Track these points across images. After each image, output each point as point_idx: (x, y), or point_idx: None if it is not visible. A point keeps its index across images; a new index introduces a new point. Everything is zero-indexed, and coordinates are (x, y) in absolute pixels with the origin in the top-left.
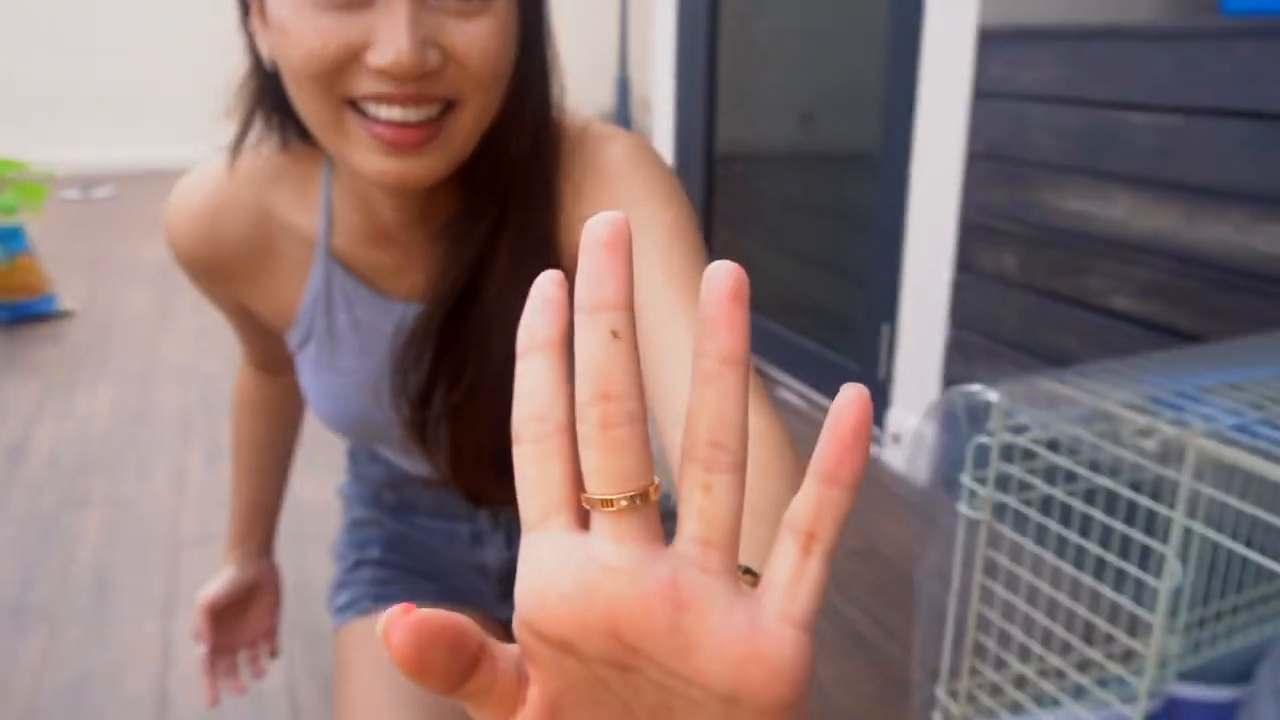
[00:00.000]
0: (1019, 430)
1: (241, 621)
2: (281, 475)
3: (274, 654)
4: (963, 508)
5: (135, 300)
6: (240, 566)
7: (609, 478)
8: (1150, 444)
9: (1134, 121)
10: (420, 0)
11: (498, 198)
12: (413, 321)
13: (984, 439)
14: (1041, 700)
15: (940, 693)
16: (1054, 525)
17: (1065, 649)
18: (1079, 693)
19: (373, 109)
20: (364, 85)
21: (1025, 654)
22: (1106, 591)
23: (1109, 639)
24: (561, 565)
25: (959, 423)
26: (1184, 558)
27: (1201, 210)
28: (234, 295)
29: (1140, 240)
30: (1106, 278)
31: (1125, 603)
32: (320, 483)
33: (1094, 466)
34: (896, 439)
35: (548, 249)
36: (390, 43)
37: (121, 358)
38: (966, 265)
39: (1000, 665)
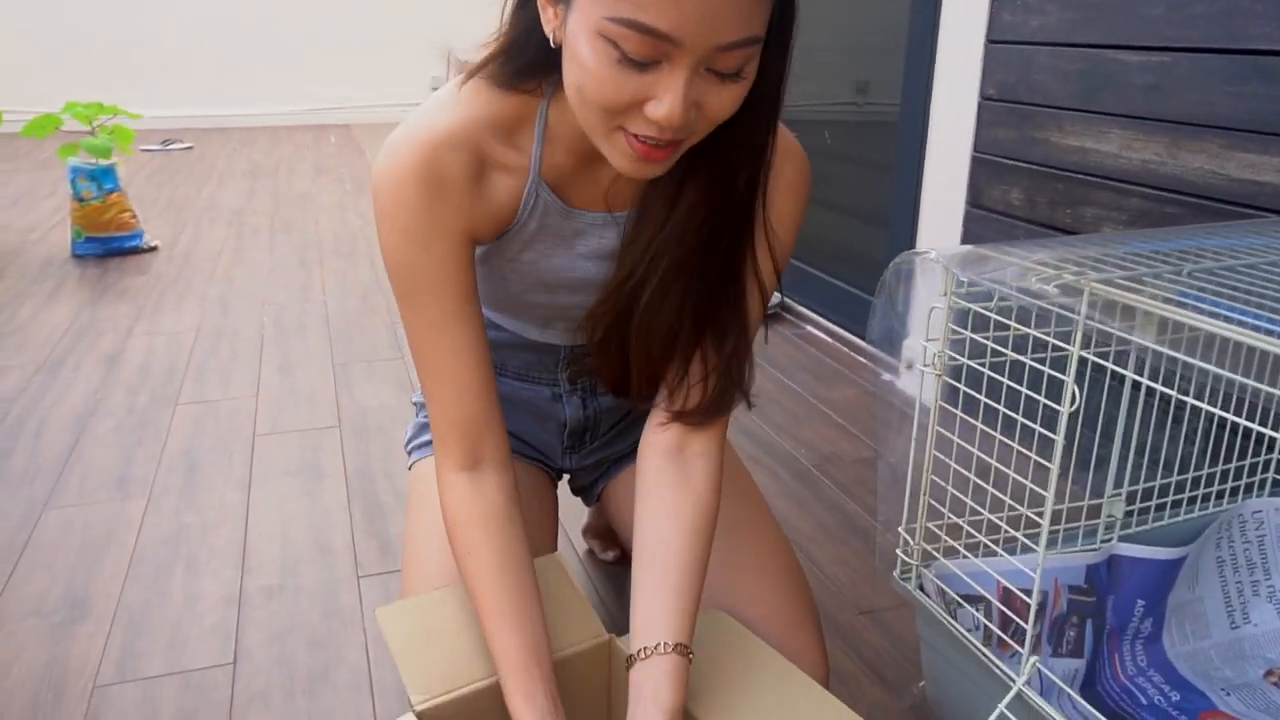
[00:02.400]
0: (976, 297)
1: None
2: (540, 608)
3: None
4: (893, 377)
5: (212, 239)
6: None
7: None
8: (1053, 289)
9: (1127, 61)
10: (695, 70)
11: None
12: (630, 225)
13: (937, 303)
14: (980, 550)
15: (901, 530)
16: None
17: (1011, 506)
18: (1027, 544)
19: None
20: (637, 126)
21: (976, 510)
22: (1046, 433)
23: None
24: None
25: (912, 288)
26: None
27: (1184, 142)
28: (458, 220)
29: (1130, 172)
30: (1100, 208)
31: (1038, 429)
32: (379, 388)
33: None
34: (910, 365)
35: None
36: (667, 102)
37: (202, 286)
38: (977, 201)
39: (953, 515)
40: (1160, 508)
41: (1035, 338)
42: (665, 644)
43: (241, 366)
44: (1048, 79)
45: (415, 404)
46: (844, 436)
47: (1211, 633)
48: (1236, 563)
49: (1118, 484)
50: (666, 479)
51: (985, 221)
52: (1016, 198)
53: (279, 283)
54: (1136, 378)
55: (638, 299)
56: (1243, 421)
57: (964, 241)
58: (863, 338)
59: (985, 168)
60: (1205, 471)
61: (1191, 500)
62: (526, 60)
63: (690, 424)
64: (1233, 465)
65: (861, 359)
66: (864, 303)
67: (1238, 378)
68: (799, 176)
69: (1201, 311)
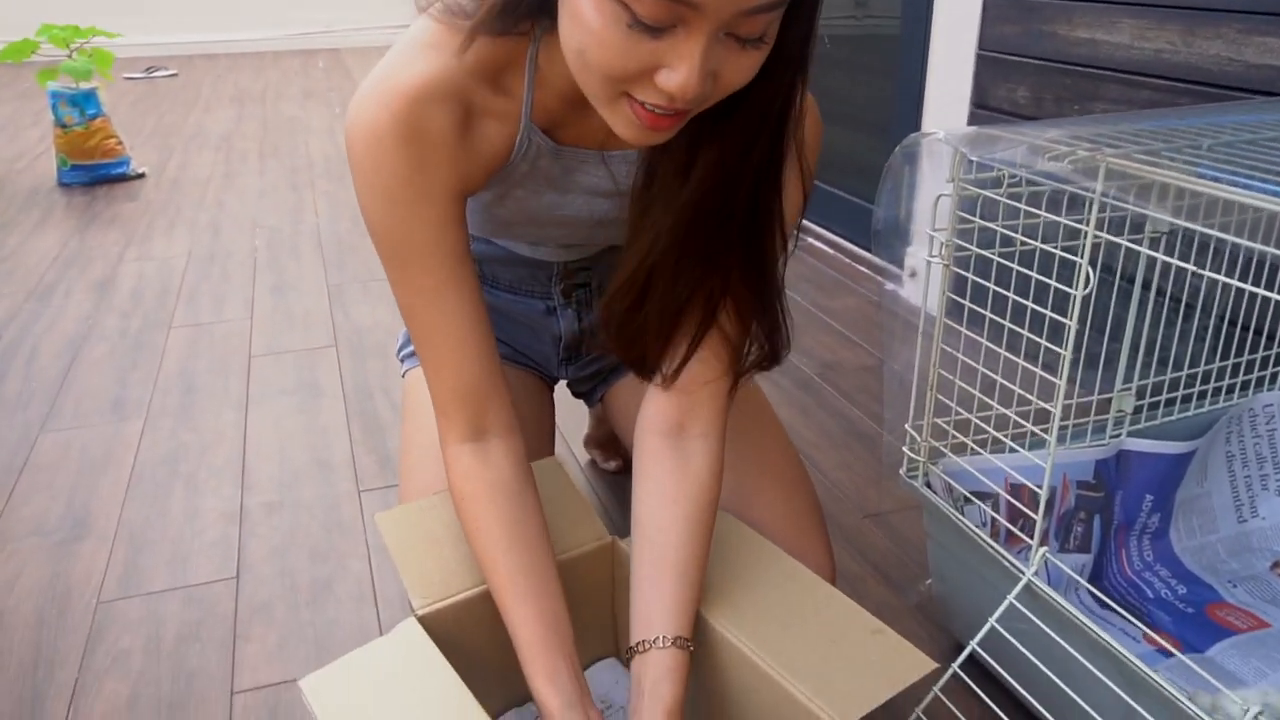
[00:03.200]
0: (985, 183)
1: None
2: (556, 580)
3: None
4: (895, 287)
5: (201, 165)
6: None
7: None
8: (1067, 165)
9: None
10: (713, 36)
11: None
12: (637, 201)
13: (944, 189)
14: (988, 445)
15: (907, 427)
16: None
17: (1021, 399)
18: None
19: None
20: (645, 94)
21: (985, 405)
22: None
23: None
24: None
25: (918, 173)
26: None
27: (1199, 28)
28: (447, 178)
29: (1142, 63)
30: (1109, 103)
31: (1051, 316)
32: (374, 308)
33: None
34: (913, 274)
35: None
36: (681, 72)
37: (192, 212)
38: (981, 101)
39: (962, 410)
40: (1170, 403)
41: (1045, 226)
42: (664, 638)
43: (235, 289)
44: None
45: None
46: (846, 345)
47: (1219, 527)
48: (1246, 457)
49: (1127, 379)
50: (666, 464)
51: (990, 122)
52: (1023, 96)
53: (270, 206)
54: (1152, 253)
55: (653, 282)
56: (1261, 290)
57: None
58: (865, 248)
59: (990, 66)
60: (1215, 365)
61: (1201, 395)
62: (515, 2)
63: (722, 392)
64: (1243, 359)
65: (863, 269)
66: (866, 212)
67: (1258, 245)
68: (814, 132)
69: (1222, 183)
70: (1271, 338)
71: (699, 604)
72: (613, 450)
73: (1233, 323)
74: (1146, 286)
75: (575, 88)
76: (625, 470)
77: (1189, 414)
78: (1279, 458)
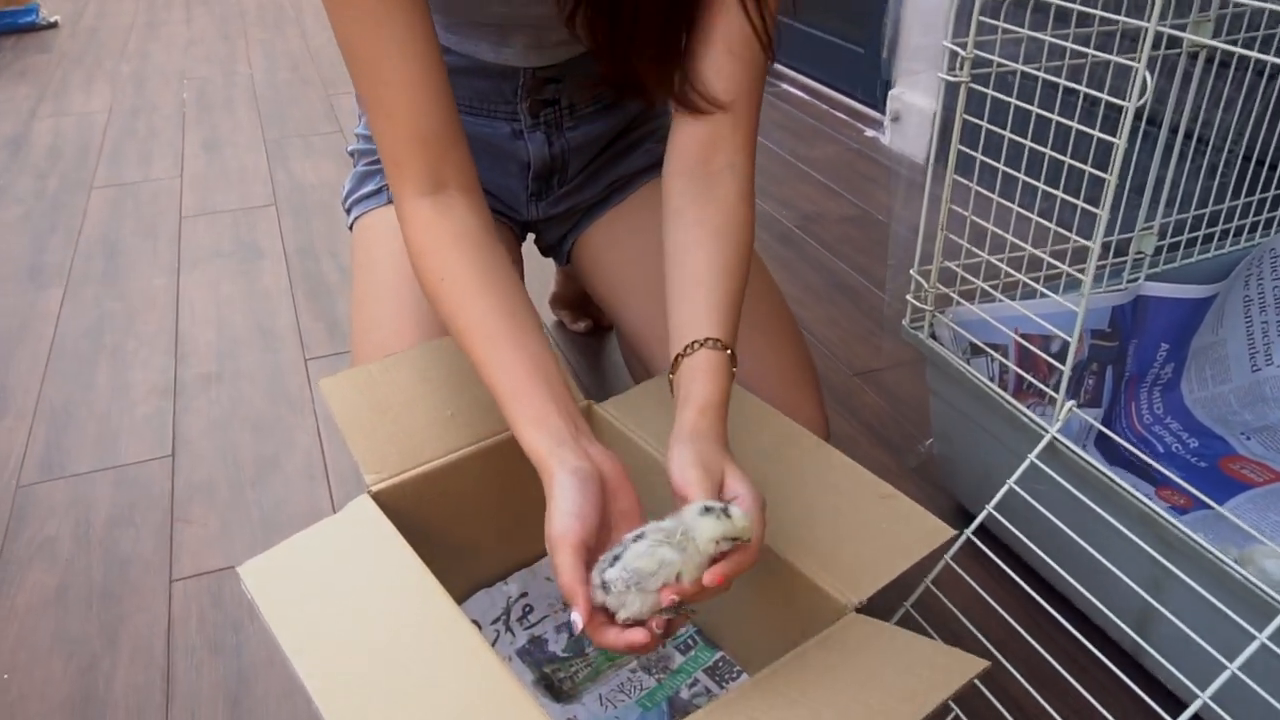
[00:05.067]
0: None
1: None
2: (538, 324)
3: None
4: (876, 133)
5: (120, 13)
6: (566, 469)
7: None
8: None
9: None
10: None
11: None
12: None
13: None
14: (1003, 291)
15: (912, 272)
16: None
17: (1039, 240)
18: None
19: None
20: None
21: (998, 247)
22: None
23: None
24: None
25: None
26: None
27: None
28: None
29: None
30: None
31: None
32: (317, 163)
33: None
34: (896, 118)
35: None
36: None
37: (113, 63)
38: None
39: (976, 250)
40: (1190, 244)
41: (1077, 29)
42: (695, 343)
43: (162, 146)
44: None
45: (353, 153)
46: (827, 195)
47: (1232, 376)
48: (1264, 301)
49: (1149, 217)
50: (691, 194)
51: None
52: None
53: (199, 56)
54: (1214, 43)
55: None
56: None
57: None
58: (843, 92)
59: None
60: (1238, 203)
61: (1223, 235)
62: None
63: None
64: (1268, 195)
65: (842, 115)
66: (845, 53)
67: None
68: None
69: None
70: None
71: (738, 311)
72: (581, 310)
73: (1253, 160)
74: (1172, 128)
75: None
76: (594, 331)
77: (1209, 255)
78: None
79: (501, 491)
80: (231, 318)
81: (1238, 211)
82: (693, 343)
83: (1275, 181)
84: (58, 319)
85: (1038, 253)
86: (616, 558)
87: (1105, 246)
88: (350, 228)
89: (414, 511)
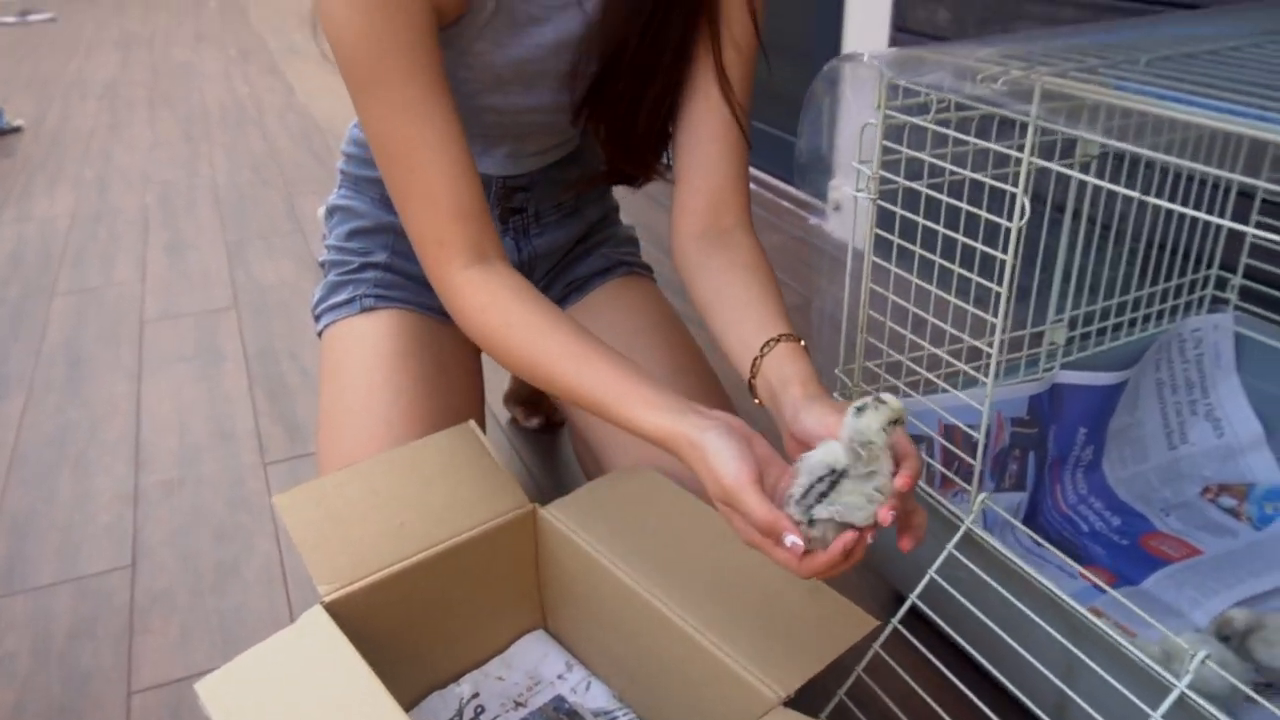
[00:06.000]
0: (913, 110)
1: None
2: (615, 351)
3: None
4: (820, 220)
5: (84, 116)
6: (705, 429)
7: None
8: (1000, 87)
9: None
10: None
11: None
12: (598, 13)
13: (869, 118)
14: (920, 387)
15: (837, 372)
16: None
17: (952, 339)
18: (967, 377)
19: None
20: None
21: (917, 345)
22: (976, 245)
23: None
24: None
25: (840, 101)
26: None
27: None
28: None
29: None
30: (1033, 21)
31: (980, 248)
32: (277, 264)
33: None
34: (838, 207)
35: None
36: None
37: (76, 167)
38: (902, 23)
39: (893, 352)
40: (1101, 332)
41: (975, 155)
42: (770, 341)
43: (125, 250)
44: None
45: (323, 263)
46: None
47: (1150, 455)
48: (1175, 383)
49: (1059, 310)
50: (710, 250)
51: (912, 45)
52: (944, 17)
53: (162, 159)
54: (1085, 178)
55: (638, 59)
56: (1189, 210)
57: None
58: (787, 181)
59: None
60: (1145, 292)
61: (1132, 323)
62: None
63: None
64: (1171, 284)
65: (786, 204)
66: (787, 145)
67: (1199, 166)
68: None
69: (1167, 101)
70: (1199, 261)
71: (785, 316)
72: (534, 407)
73: (1161, 247)
74: (1076, 215)
75: None
76: (547, 428)
77: (1120, 342)
78: (1206, 382)
79: (451, 596)
80: (192, 423)
81: (1144, 301)
82: (767, 342)
83: (1178, 270)
84: (19, 427)
85: (938, 352)
86: (822, 495)
87: (1016, 341)
88: (319, 335)
89: (367, 619)
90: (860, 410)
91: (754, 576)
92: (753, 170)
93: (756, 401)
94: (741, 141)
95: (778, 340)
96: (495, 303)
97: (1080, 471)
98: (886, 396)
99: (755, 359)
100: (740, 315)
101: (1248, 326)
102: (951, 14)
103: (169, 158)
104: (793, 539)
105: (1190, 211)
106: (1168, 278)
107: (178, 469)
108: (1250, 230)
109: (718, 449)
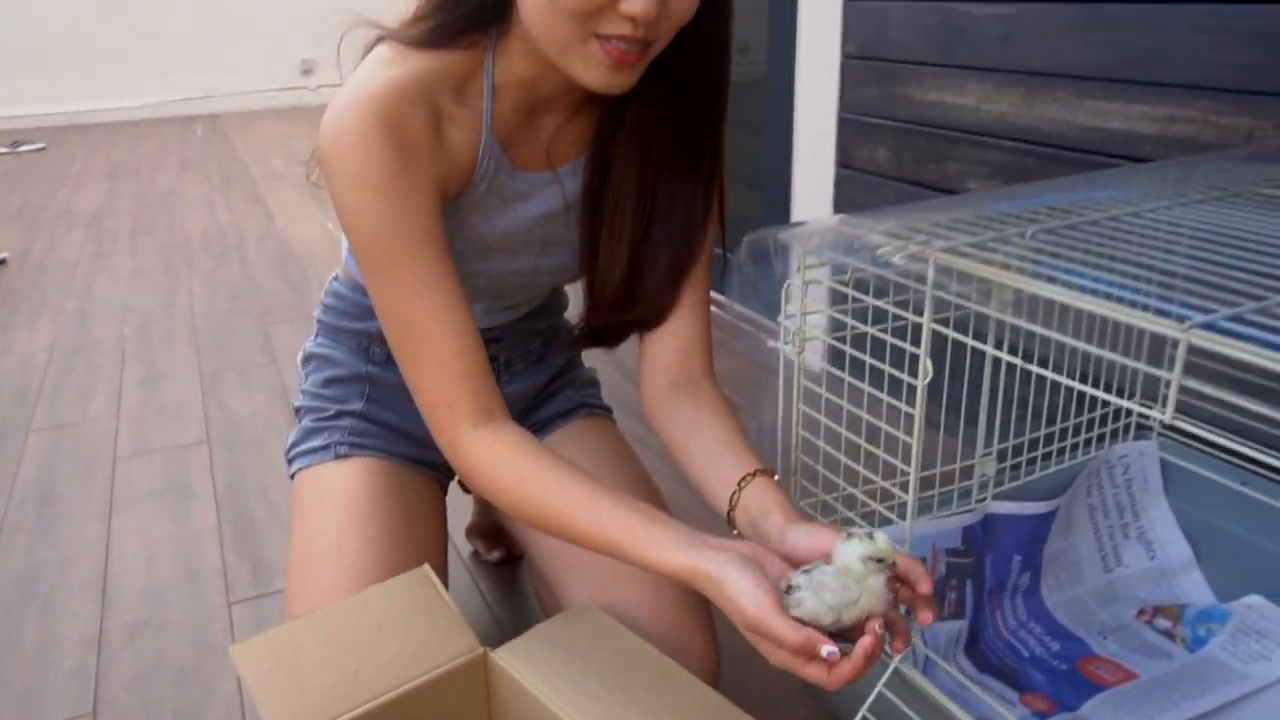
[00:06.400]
0: (834, 270)
1: None
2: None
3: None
4: (776, 343)
5: (69, 247)
6: (722, 562)
7: None
8: (899, 260)
9: (978, 14)
10: None
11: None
12: (583, 177)
13: (793, 279)
14: (866, 517)
15: None
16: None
17: (890, 472)
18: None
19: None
20: (611, 26)
21: (853, 478)
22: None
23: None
24: None
25: (763, 266)
26: (947, 364)
27: (1037, 92)
28: (430, 169)
29: (989, 125)
30: (963, 162)
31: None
32: (251, 396)
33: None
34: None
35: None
36: None
37: (59, 298)
38: (846, 161)
39: (830, 488)
40: (1031, 461)
41: (893, 309)
42: (746, 476)
43: (101, 383)
44: (905, 34)
45: (299, 409)
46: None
47: (1086, 579)
48: (1107, 508)
49: (987, 443)
50: (680, 398)
51: (855, 182)
52: (884, 156)
53: (142, 288)
54: (978, 345)
55: (630, 242)
56: (1088, 389)
57: (836, 202)
58: (748, 305)
59: (852, 127)
60: (1072, 422)
61: (1060, 452)
62: (466, 9)
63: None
64: (1098, 414)
65: (745, 325)
66: (744, 269)
67: (1082, 344)
68: None
69: (1041, 276)
70: (1122, 391)
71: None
72: (495, 540)
73: (1084, 378)
74: (999, 345)
75: (529, 95)
76: (508, 561)
77: (1050, 471)
78: (1137, 506)
79: None
80: (160, 562)
81: (1070, 431)
82: (744, 477)
83: (1101, 400)
84: None
85: (856, 492)
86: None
87: (948, 475)
88: (291, 476)
89: None
90: (848, 538)
91: (692, 716)
92: (715, 294)
93: (735, 532)
94: (706, 297)
95: (754, 475)
96: (506, 460)
97: (1019, 597)
98: (879, 535)
99: (734, 493)
100: (714, 457)
101: (1172, 453)
102: (891, 154)
103: (149, 287)
104: (829, 648)
105: (1107, 355)
106: (1093, 408)
107: (144, 609)
108: (1163, 374)
109: (735, 581)
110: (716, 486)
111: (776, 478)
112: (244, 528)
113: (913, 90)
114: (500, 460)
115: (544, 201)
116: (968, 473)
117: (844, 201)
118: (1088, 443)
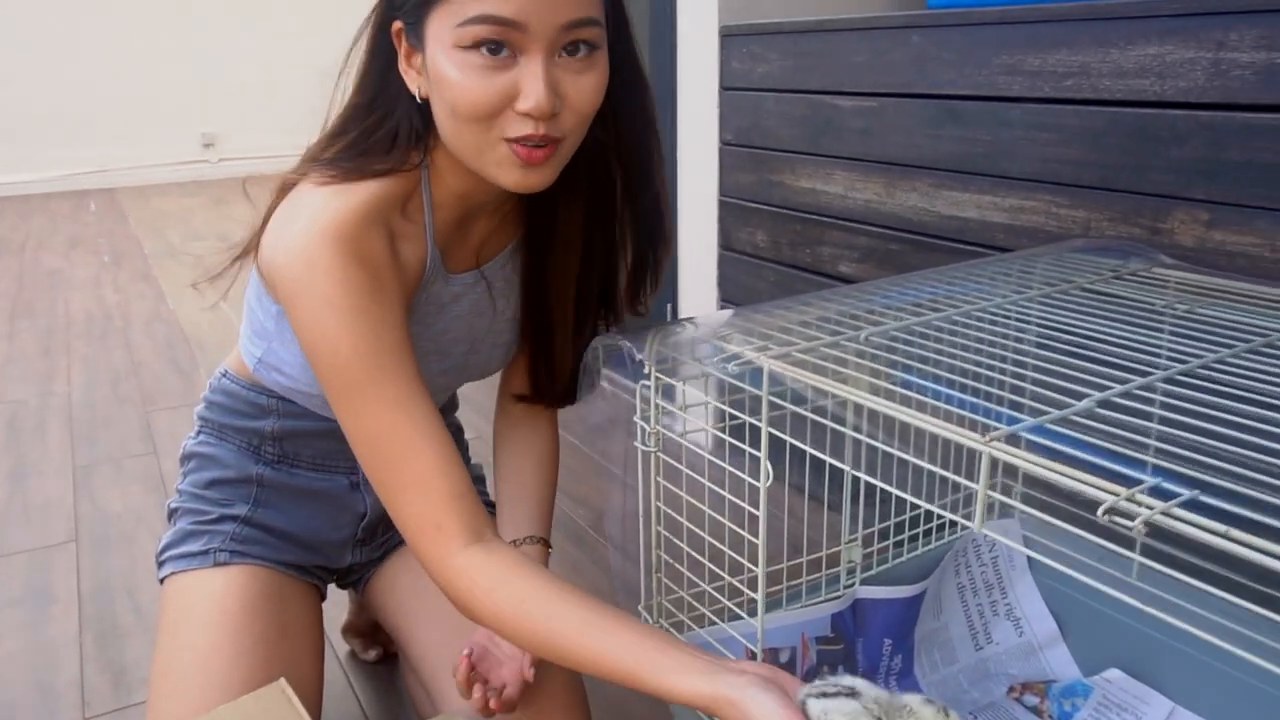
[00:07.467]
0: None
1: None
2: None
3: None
4: (637, 443)
5: None
6: (743, 687)
7: None
8: (733, 367)
9: (842, 106)
10: (549, 56)
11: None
12: (506, 267)
13: (645, 382)
14: (726, 616)
15: (640, 609)
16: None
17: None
18: (773, 604)
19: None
20: (514, 128)
21: (714, 575)
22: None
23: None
24: None
25: (626, 366)
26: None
27: (897, 182)
28: (397, 289)
29: (855, 212)
30: (834, 246)
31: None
32: (126, 489)
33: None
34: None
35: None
36: (532, 91)
37: None
38: (727, 244)
39: (693, 586)
40: (899, 544)
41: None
42: (526, 540)
43: None
44: (777, 124)
45: (174, 510)
46: (624, 491)
47: (959, 657)
48: (975, 586)
49: (852, 530)
50: (524, 430)
51: (736, 264)
52: (761, 239)
53: (16, 376)
54: (837, 427)
55: (561, 321)
56: (896, 492)
57: (719, 284)
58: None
59: (731, 211)
60: (936, 504)
61: (926, 533)
62: (388, 130)
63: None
64: (961, 494)
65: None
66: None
67: (895, 450)
68: None
69: (867, 383)
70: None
71: (551, 512)
72: (372, 639)
73: (944, 463)
74: (859, 430)
75: (464, 205)
76: (384, 660)
77: (917, 553)
78: (1004, 583)
79: None
80: (11, 676)
81: (935, 513)
82: (524, 539)
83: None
84: None
85: (707, 588)
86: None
87: (815, 563)
88: (161, 580)
89: None
90: (927, 702)
91: None
92: (605, 370)
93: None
94: (581, 339)
95: (533, 540)
96: (504, 583)
97: (894, 679)
98: (954, 715)
99: (514, 540)
100: (514, 500)
101: (1033, 530)
102: (768, 237)
103: (23, 374)
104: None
105: (914, 461)
106: (955, 489)
107: None
108: (970, 485)
109: (759, 704)
110: (504, 521)
111: (550, 550)
112: (106, 635)
113: (786, 177)
114: (497, 584)
115: (472, 299)
116: (834, 560)
117: (727, 283)
118: (954, 523)
